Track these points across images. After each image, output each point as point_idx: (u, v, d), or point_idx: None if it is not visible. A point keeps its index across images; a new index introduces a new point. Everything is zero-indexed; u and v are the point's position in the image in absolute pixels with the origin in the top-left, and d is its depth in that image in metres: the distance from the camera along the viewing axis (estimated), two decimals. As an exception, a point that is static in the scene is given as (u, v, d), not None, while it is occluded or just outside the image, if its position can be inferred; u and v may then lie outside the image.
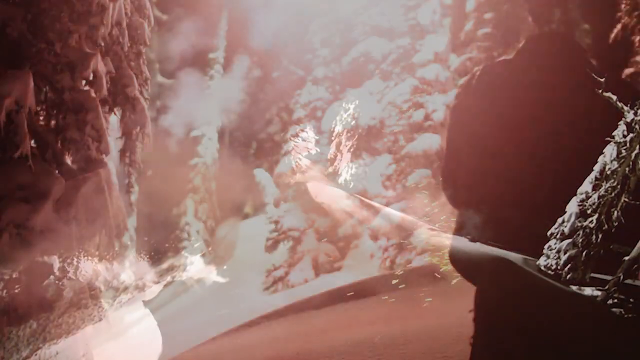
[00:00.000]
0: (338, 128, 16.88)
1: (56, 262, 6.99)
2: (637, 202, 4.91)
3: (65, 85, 7.76)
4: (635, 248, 4.66)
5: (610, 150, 5.60)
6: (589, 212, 5.42)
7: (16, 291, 6.55)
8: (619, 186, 5.08)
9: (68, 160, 7.79)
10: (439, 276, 9.30)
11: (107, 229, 7.91)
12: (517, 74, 12.46)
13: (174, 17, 24.14)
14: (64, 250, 6.81)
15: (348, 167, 16.96)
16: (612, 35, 18.88)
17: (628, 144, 5.24)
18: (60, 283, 6.96)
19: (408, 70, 16.92)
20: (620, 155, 5.22)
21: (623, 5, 18.18)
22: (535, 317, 4.46)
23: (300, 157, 18.35)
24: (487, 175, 11.49)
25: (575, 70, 10.40)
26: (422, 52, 16.60)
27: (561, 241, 5.73)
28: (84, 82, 7.94)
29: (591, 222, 5.25)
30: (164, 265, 24.46)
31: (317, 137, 17.47)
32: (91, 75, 7.93)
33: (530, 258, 7.24)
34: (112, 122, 8.98)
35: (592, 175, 5.72)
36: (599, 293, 5.02)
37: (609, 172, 5.31)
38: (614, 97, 5.97)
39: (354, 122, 16.70)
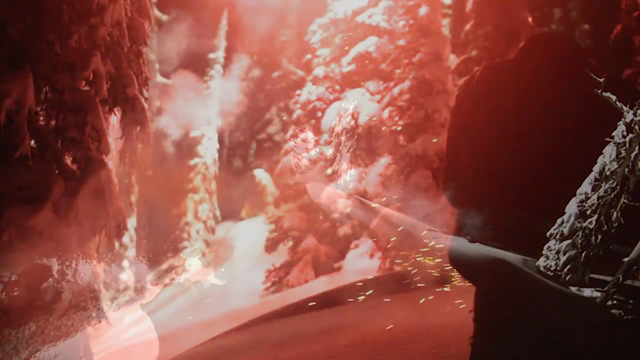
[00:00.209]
0: (338, 128, 16.88)
1: (55, 265, 7.00)
2: (637, 204, 4.90)
3: (65, 85, 7.76)
4: (635, 249, 4.66)
5: (609, 151, 5.59)
6: (588, 212, 5.42)
7: (15, 294, 6.56)
8: (618, 187, 5.08)
9: (68, 160, 7.79)
10: (438, 275, 9.31)
11: (107, 229, 7.91)
12: (517, 74, 12.45)
13: (174, 17, 24.13)
14: (63, 251, 6.82)
15: (348, 168, 16.96)
16: (612, 35, 18.89)
17: (627, 145, 5.24)
18: (59, 286, 6.97)
19: (408, 70, 16.91)
20: (620, 156, 5.21)
21: (623, 5, 18.19)
22: (535, 318, 4.46)
23: (300, 157, 18.34)
24: (487, 176, 11.48)
25: (575, 71, 10.39)
26: (422, 52, 16.59)
27: (560, 242, 5.73)
28: (84, 82, 7.94)
29: (590, 223, 5.24)
30: (164, 266, 24.48)
31: (316, 138, 17.46)
32: (91, 75, 7.93)
33: (529, 259, 7.25)
34: (112, 122, 8.98)
35: (592, 176, 5.72)
36: (599, 294, 5.02)
37: (608, 173, 5.30)
38: (614, 97, 5.96)
39: (353, 122, 16.70)
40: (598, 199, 5.31)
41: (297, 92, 20.80)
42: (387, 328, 7.59)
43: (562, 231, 5.72)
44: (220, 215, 26.77)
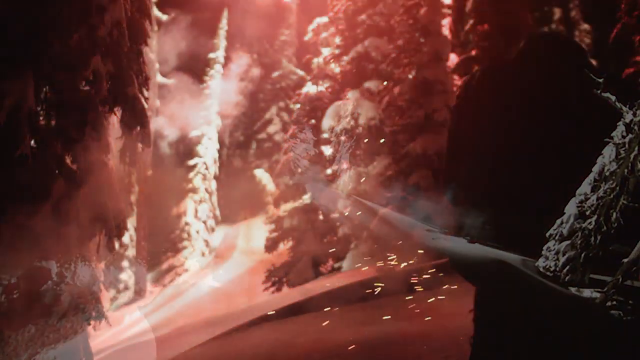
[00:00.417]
0: (337, 128, 16.87)
1: (54, 268, 7.00)
2: (636, 205, 4.90)
3: (65, 85, 7.76)
4: (635, 250, 4.66)
5: (609, 152, 5.59)
6: (587, 213, 5.41)
7: (14, 296, 6.56)
8: (617, 187, 5.08)
9: (68, 160, 7.79)
10: (437, 276, 9.29)
11: (107, 229, 7.91)
12: (517, 74, 12.46)
13: (174, 17, 24.12)
14: (63, 252, 6.82)
15: (347, 168, 16.96)
16: (612, 35, 18.88)
17: (627, 145, 5.23)
18: (58, 288, 6.97)
19: (408, 70, 16.91)
20: (619, 157, 5.21)
21: (623, 5, 18.18)
22: (534, 318, 4.47)
23: (300, 157, 18.34)
24: (487, 176, 11.49)
25: (575, 71, 10.39)
26: (422, 52, 16.58)
27: (560, 242, 5.72)
28: (84, 82, 7.94)
29: (590, 223, 5.24)
30: (164, 266, 24.49)
31: (315, 138, 17.46)
32: (91, 75, 7.93)
33: (529, 259, 7.24)
34: (112, 122, 8.97)
35: (591, 177, 5.71)
36: (598, 295, 5.01)
37: (607, 174, 5.30)
38: (613, 98, 5.96)
39: (353, 122, 16.70)
40: (597, 200, 5.31)
41: (298, 92, 20.81)
42: (387, 328, 7.59)
43: (562, 232, 5.71)
44: (220, 215, 26.77)
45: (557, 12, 22.46)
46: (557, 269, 5.64)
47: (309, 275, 16.86)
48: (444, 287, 8.64)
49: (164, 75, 24.46)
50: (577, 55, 12.35)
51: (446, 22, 20.19)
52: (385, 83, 17.59)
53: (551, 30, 21.64)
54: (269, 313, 10.20)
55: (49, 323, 6.93)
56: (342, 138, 16.97)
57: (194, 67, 25.89)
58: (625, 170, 5.07)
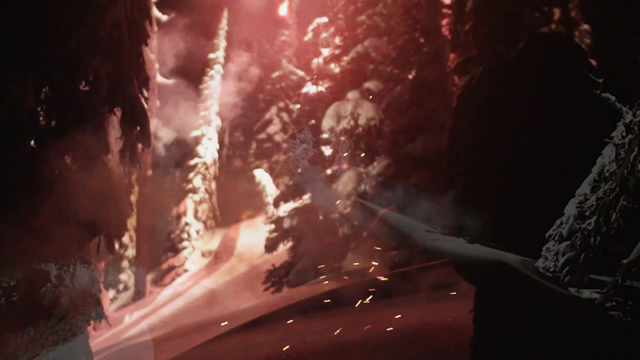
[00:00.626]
0: (337, 129, 16.88)
1: (53, 270, 7.00)
2: (636, 206, 4.89)
3: (65, 85, 7.77)
4: (635, 250, 4.66)
5: (608, 152, 5.58)
6: (587, 214, 5.41)
7: (14, 299, 6.57)
8: (617, 188, 5.07)
9: (68, 160, 7.79)
10: (437, 276, 9.29)
11: (107, 229, 7.92)
12: (517, 74, 12.45)
13: (174, 17, 24.14)
14: (63, 252, 6.83)
15: (347, 168, 16.95)
16: (612, 35, 18.87)
17: (627, 146, 5.23)
18: (57, 290, 6.97)
19: (407, 70, 16.90)
20: (619, 157, 5.20)
21: (623, 5, 18.18)
22: (533, 319, 4.47)
23: (300, 157, 18.34)
24: (487, 176, 11.48)
25: (575, 71, 10.39)
26: (422, 52, 16.58)
27: (559, 243, 5.72)
28: (84, 82, 7.95)
29: (589, 224, 5.23)
30: (164, 266, 24.50)
31: (315, 138, 17.46)
32: (91, 75, 7.94)
33: (528, 260, 7.24)
34: (112, 122, 8.98)
35: (591, 177, 5.71)
36: (598, 295, 5.01)
37: (607, 174, 5.29)
38: (613, 98, 5.96)
39: (353, 122, 16.70)
40: (597, 201, 5.31)
41: (297, 92, 20.84)
42: (388, 329, 7.59)
43: (561, 232, 5.71)
44: (220, 216, 26.79)
45: (557, 12, 22.45)
46: (557, 269, 5.64)
47: (309, 275, 16.86)
48: (444, 287, 8.64)
49: (163, 75, 24.48)
50: (577, 56, 12.34)
51: (446, 22, 20.20)
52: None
53: (551, 30, 21.63)
54: (269, 312, 10.20)
55: (48, 325, 6.93)
56: (342, 138, 16.98)
57: (194, 68, 25.93)
58: (625, 171, 5.06)
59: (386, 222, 13.57)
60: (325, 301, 9.73)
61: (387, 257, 13.83)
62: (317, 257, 16.84)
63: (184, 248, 24.72)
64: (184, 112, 23.75)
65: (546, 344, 4.27)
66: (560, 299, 5.01)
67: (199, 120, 26.18)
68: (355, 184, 16.28)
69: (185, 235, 24.86)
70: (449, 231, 11.30)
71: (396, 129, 16.58)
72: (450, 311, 6.87)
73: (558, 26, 22.14)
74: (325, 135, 17.09)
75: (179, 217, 25.14)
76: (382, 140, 16.85)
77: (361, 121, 16.81)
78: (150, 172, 23.41)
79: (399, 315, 8.04)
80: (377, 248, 14.15)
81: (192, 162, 25.88)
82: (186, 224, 25.07)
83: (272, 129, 29.99)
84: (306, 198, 17.91)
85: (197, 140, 26.11)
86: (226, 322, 10.53)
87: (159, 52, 24.00)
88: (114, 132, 8.96)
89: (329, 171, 17.05)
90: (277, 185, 22.90)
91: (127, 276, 23.69)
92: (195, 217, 25.46)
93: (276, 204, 19.10)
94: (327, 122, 17.03)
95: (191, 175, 25.74)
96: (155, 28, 22.85)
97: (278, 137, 29.45)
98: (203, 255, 25.05)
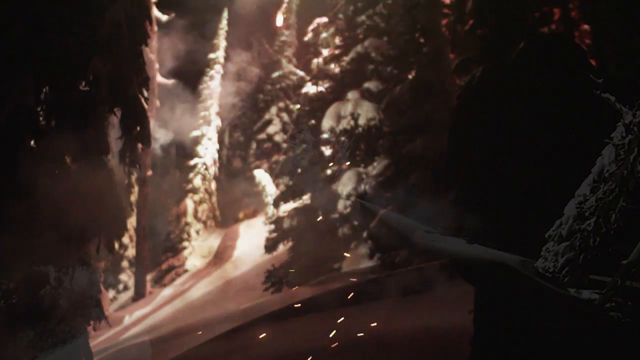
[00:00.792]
0: (337, 129, 16.89)
1: (52, 271, 7.00)
2: (636, 207, 4.89)
3: (65, 85, 7.78)
4: (635, 251, 4.65)
5: (608, 152, 5.58)
6: (586, 214, 5.40)
7: (13, 301, 6.57)
8: (617, 189, 5.06)
9: (68, 160, 7.80)
10: (437, 276, 9.30)
11: (107, 229, 7.93)
12: (517, 74, 12.43)
13: (174, 17, 24.15)
14: (63, 253, 6.83)
15: (347, 168, 16.96)
16: (612, 35, 18.87)
17: (626, 146, 5.22)
18: (57, 292, 6.98)
19: (407, 70, 16.91)
20: (619, 158, 5.20)
21: (623, 5, 18.18)
22: (533, 319, 4.47)
23: (300, 157, 18.33)
24: (487, 176, 11.48)
25: (575, 71, 10.39)
26: (422, 52, 16.59)
27: (559, 244, 5.71)
28: (84, 82, 7.95)
29: (589, 225, 5.21)
30: (164, 266, 24.50)
31: (315, 139, 17.46)
32: (91, 75, 7.94)
33: (528, 260, 7.24)
34: (112, 122, 8.98)
35: (590, 178, 5.69)
36: (597, 296, 5.02)
37: (607, 175, 5.27)
38: (613, 98, 5.95)
39: (353, 122, 16.71)
40: (597, 201, 5.29)
41: (297, 92, 20.85)
42: (388, 329, 7.60)
43: (561, 233, 5.70)
44: (220, 216, 26.81)
45: (557, 12, 22.45)
46: (556, 270, 5.63)
47: (309, 275, 16.86)
48: (443, 287, 8.65)
49: (163, 75, 24.49)
50: (577, 56, 12.34)
51: (446, 22, 20.19)
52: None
53: (551, 30, 21.63)
54: (269, 312, 10.21)
55: (47, 327, 6.93)
56: (342, 138, 16.98)
57: (194, 68, 25.94)
58: (625, 172, 5.06)
59: (386, 222, 13.56)
60: (324, 301, 9.74)
61: (387, 258, 13.84)
62: (317, 257, 16.83)
63: (184, 248, 24.73)
64: (184, 112, 23.77)
65: (546, 344, 4.27)
66: (559, 299, 5.00)
67: (199, 120, 26.20)
68: (355, 184, 16.28)
69: (185, 236, 24.87)
70: (449, 231, 11.29)
71: (396, 129, 16.57)
72: (450, 311, 6.88)
73: (558, 26, 22.14)
74: (325, 135, 17.10)
75: (179, 217, 25.16)
76: (382, 140, 16.85)
77: (361, 121, 16.82)
78: (150, 172, 23.41)
79: (399, 316, 8.05)
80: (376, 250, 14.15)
81: (192, 162, 25.90)
82: (186, 224, 25.09)
83: (272, 129, 30.00)
84: (306, 198, 17.91)
85: (197, 141, 26.13)
86: (226, 322, 10.54)
87: (159, 52, 24.02)
88: (114, 132, 8.96)
89: (329, 171, 17.05)
90: (277, 185, 22.90)
91: (127, 276, 23.71)
92: (195, 217, 25.48)
93: (276, 204, 19.11)
94: (327, 122, 17.04)
95: (191, 175, 25.76)
96: (155, 28, 22.86)
97: (278, 137, 29.45)
98: (203, 255, 25.06)
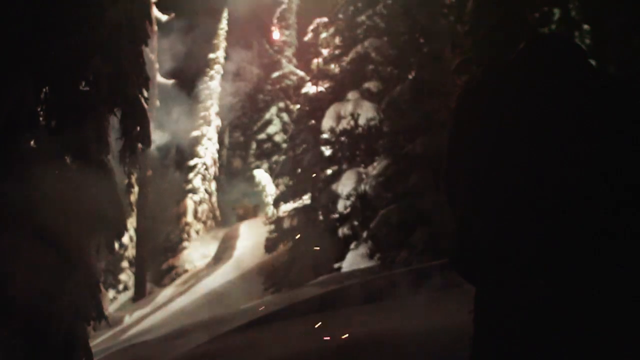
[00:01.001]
0: (337, 129, 16.89)
1: (52, 270, 6.98)
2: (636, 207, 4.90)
3: (65, 85, 7.77)
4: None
5: (609, 152, 5.61)
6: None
7: (12, 302, 6.56)
8: (617, 188, 5.10)
9: (68, 160, 7.79)
10: (437, 276, 9.32)
11: (107, 229, 7.91)
12: (517, 74, 12.43)
13: (174, 17, 24.18)
14: (62, 253, 6.82)
15: (347, 168, 16.97)
16: (612, 35, 18.86)
17: (627, 146, 5.26)
18: (56, 292, 6.96)
19: (407, 70, 16.92)
20: (619, 158, 5.23)
21: (623, 5, 18.16)
22: (532, 319, 4.46)
23: (300, 157, 18.34)
24: (487, 177, 11.49)
25: (575, 71, 10.40)
26: (422, 52, 16.60)
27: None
28: (84, 82, 7.94)
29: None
30: (164, 266, 24.50)
31: (314, 139, 17.47)
32: (91, 76, 7.92)
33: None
34: (112, 122, 8.97)
35: (591, 178, 5.74)
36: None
37: (607, 175, 5.32)
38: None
39: (353, 122, 16.71)
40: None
41: (298, 92, 20.87)
42: (388, 329, 7.60)
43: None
44: (220, 216, 26.84)
45: (557, 12, 22.45)
46: (557, 269, 5.67)
47: (309, 275, 16.87)
48: (444, 287, 8.66)
49: (163, 75, 24.52)
50: (577, 56, 12.37)
51: (446, 22, 20.19)
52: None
53: (551, 30, 21.63)
54: (269, 312, 10.21)
55: (47, 327, 6.91)
56: (342, 138, 16.99)
57: (194, 68, 25.96)
58: (625, 171, 5.09)
59: (386, 222, 13.57)
60: (324, 302, 9.74)
61: (387, 258, 13.85)
62: (317, 257, 16.85)
63: (184, 248, 24.74)
64: (184, 112, 23.78)
65: (545, 344, 4.27)
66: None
67: (199, 120, 26.21)
68: (355, 184, 16.30)
69: (185, 236, 24.89)
70: (449, 231, 11.31)
71: (396, 129, 16.58)
72: (450, 311, 6.88)
73: (558, 26, 22.13)
74: (325, 135, 17.11)
75: (179, 217, 25.18)
76: (382, 140, 16.86)
77: (361, 121, 16.83)
78: (150, 172, 23.44)
79: (399, 316, 8.05)
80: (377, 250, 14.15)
81: (192, 162, 25.92)
82: (186, 224, 25.11)
83: (272, 129, 30.04)
84: (306, 198, 17.92)
85: (197, 141, 26.15)
86: (226, 322, 10.54)
87: (159, 52, 24.03)
88: (114, 132, 8.95)
89: (329, 171, 17.06)
90: (277, 185, 22.92)
91: (127, 276, 23.71)
92: (195, 217, 25.50)
93: (276, 204, 19.13)
94: (327, 122, 17.05)
95: (191, 175, 25.79)
96: (155, 28, 22.88)
97: (278, 137, 29.49)
98: (203, 255, 25.06)
